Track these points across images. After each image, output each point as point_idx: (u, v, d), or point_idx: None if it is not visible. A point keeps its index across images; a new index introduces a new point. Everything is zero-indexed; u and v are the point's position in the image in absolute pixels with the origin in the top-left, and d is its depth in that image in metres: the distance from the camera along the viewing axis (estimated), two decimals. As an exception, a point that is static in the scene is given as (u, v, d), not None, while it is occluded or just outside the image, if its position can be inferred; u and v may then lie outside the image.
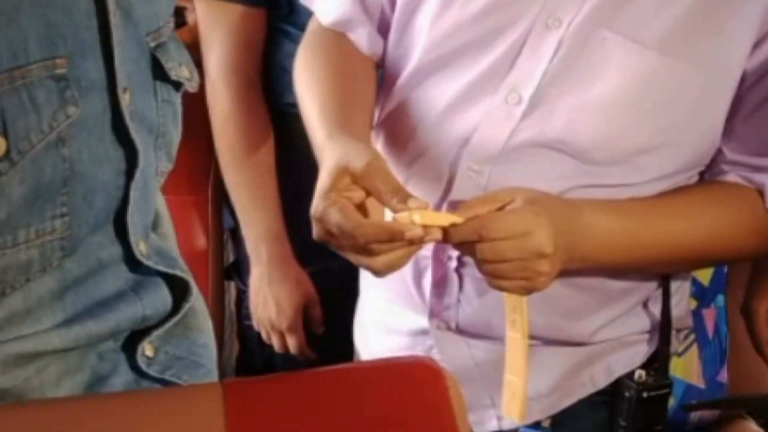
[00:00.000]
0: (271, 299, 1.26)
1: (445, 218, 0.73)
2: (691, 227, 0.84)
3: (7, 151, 0.47)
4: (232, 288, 1.44)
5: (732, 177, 0.85)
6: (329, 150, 0.78)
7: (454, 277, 0.89)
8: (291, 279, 1.26)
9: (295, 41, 1.22)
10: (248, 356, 1.39)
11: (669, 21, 0.80)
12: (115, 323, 0.56)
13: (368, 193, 0.74)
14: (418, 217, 0.70)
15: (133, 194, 0.56)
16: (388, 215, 0.77)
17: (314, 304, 1.28)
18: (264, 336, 1.30)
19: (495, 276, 0.76)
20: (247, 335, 1.35)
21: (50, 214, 0.50)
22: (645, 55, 0.79)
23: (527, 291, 0.77)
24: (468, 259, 0.86)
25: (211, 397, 0.48)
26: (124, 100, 0.54)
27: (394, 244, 0.71)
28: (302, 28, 1.20)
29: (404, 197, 0.71)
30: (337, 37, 0.95)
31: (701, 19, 0.80)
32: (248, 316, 1.31)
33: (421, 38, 0.87)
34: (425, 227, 0.71)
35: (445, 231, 0.73)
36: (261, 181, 1.25)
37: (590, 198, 0.82)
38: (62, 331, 0.53)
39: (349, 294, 1.29)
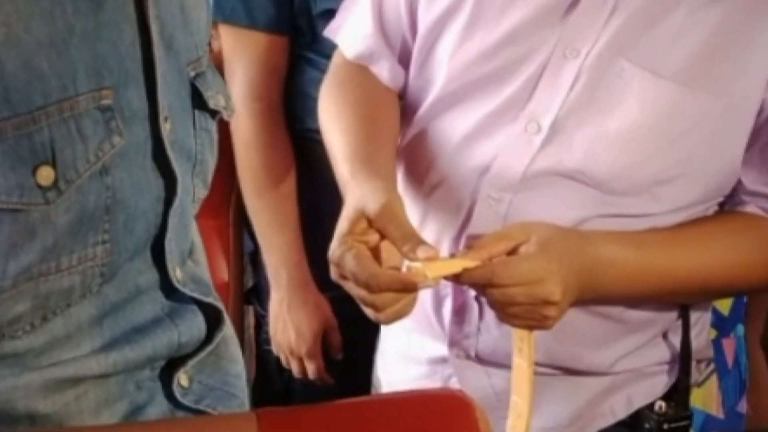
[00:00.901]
0: (290, 324, 1.26)
1: (457, 264, 0.75)
2: (709, 259, 0.84)
3: (55, 181, 0.48)
4: (250, 312, 1.44)
5: (751, 208, 0.86)
6: (350, 191, 0.80)
7: (474, 306, 0.89)
8: (310, 304, 1.26)
9: (318, 68, 1.24)
10: (266, 381, 1.39)
11: (686, 52, 0.80)
12: (151, 349, 0.57)
13: (383, 236, 0.76)
14: (429, 273, 0.71)
15: (171, 221, 0.57)
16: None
17: (333, 329, 1.29)
18: (283, 361, 1.30)
19: (504, 314, 0.78)
20: (266, 360, 1.35)
21: (92, 241, 0.51)
22: (662, 86, 0.80)
23: (534, 329, 0.79)
24: None
25: (245, 425, 0.49)
26: (165, 129, 0.55)
27: (405, 294, 0.73)
28: (325, 55, 1.22)
29: (415, 244, 0.72)
30: (360, 69, 0.97)
31: (718, 51, 0.80)
32: (267, 341, 1.32)
33: (441, 69, 0.89)
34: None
35: (458, 273, 0.75)
36: (282, 206, 1.26)
37: (607, 229, 0.83)
38: (100, 357, 0.54)
39: (368, 320, 1.30)
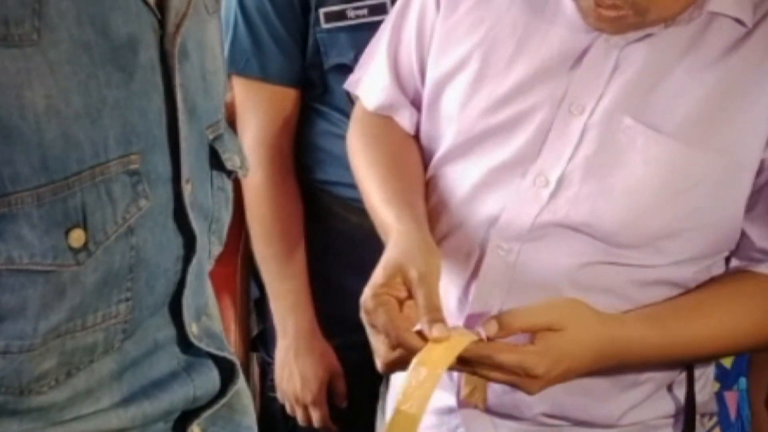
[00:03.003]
0: (296, 372, 1.27)
1: (454, 351, 0.74)
2: (729, 328, 0.85)
3: (86, 243, 0.50)
4: (254, 360, 1.45)
5: (764, 268, 0.86)
6: (394, 239, 0.83)
7: None
8: (317, 352, 1.27)
9: (328, 120, 1.27)
10: (271, 428, 1.39)
11: (686, 111, 0.83)
12: (168, 403, 0.58)
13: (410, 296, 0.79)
14: (430, 368, 0.72)
15: (189, 278, 0.59)
16: None
17: (338, 377, 1.29)
18: (288, 408, 1.30)
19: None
20: (271, 407, 1.35)
21: (116, 299, 0.53)
22: (664, 144, 0.82)
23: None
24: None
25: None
26: (186, 190, 0.57)
27: None
28: (335, 108, 1.25)
29: (433, 320, 0.75)
30: (384, 120, 1.00)
31: (718, 110, 0.82)
32: (273, 388, 1.32)
33: (449, 123, 0.91)
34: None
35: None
36: (290, 254, 1.28)
37: (611, 276, 0.84)
38: (120, 411, 0.55)
39: (373, 368, 1.30)
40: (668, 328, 0.84)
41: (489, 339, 0.76)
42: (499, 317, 0.76)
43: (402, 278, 0.78)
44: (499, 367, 0.76)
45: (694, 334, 0.85)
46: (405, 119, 0.99)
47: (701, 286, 0.87)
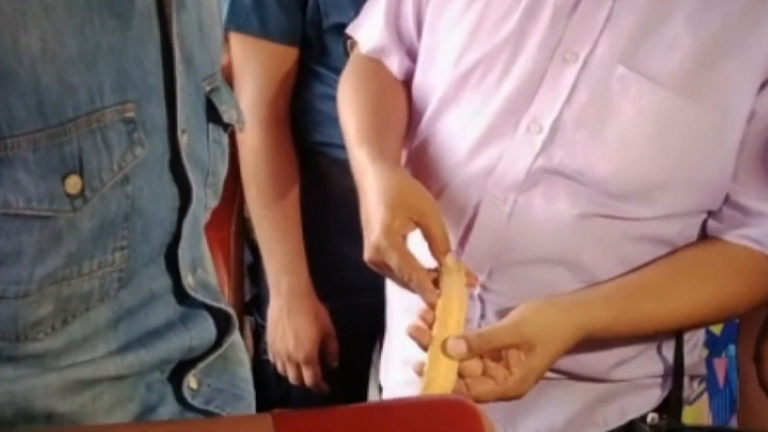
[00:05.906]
0: (289, 331, 1.28)
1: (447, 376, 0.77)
2: (697, 302, 0.87)
3: (82, 189, 0.50)
4: (247, 324, 1.45)
5: (731, 237, 0.87)
6: (374, 177, 0.85)
7: (477, 304, 0.91)
8: (310, 312, 1.28)
9: (325, 82, 1.27)
10: (263, 391, 1.40)
11: (679, 60, 0.83)
12: (165, 352, 0.58)
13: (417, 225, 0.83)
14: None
15: (185, 229, 0.59)
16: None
17: (331, 338, 1.30)
18: (279, 368, 1.31)
19: None
20: (264, 370, 1.36)
21: (111, 247, 0.53)
22: (658, 93, 0.83)
23: None
24: (491, 286, 0.90)
25: (262, 427, 0.50)
26: (182, 141, 0.57)
27: None
28: (333, 69, 1.24)
29: (445, 250, 0.81)
30: (375, 63, 1.03)
31: (708, 59, 0.83)
32: (265, 351, 1.33)
33: (445, 70, 0.92)
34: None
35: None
36: (285, 215, 1.28)
37: (605, 229, 0.85)
38: (117, 359, 0.56)
39: (365, 330, 1.31)
40: (634, 309, 0.86)
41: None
42: (467, 338, 0.77)
43: (408, 212, 0.81)
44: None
45: (659, 311, 0.87)
46: (394, 64, 1.01)
47: (669, 260, 0.88)
